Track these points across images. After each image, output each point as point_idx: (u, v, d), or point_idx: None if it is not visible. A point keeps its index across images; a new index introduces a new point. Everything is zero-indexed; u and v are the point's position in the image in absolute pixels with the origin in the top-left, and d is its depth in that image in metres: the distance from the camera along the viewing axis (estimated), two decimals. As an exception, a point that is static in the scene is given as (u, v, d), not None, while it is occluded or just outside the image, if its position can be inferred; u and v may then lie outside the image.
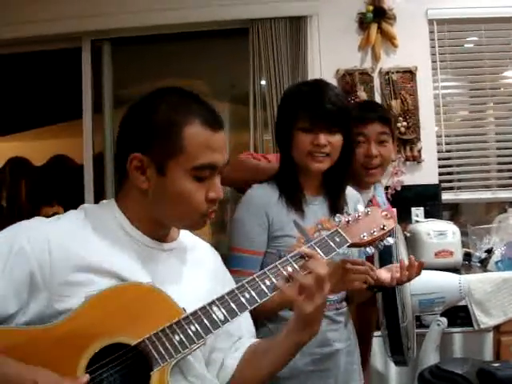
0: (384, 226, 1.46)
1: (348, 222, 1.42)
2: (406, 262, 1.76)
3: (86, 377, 1.09)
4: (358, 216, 1.45)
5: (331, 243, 1.36)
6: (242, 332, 1.43)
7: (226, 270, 1.52)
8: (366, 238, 1.42)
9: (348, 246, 1.41)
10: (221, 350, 1.38)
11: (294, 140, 1.81)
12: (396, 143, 2.47)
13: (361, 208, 1.49)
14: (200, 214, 1.28)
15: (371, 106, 2.41)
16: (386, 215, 1.50)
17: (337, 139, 1.80)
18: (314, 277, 1.24)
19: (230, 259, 1.81)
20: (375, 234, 1.44)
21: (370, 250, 1.47)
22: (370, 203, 2.27)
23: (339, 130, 1.80)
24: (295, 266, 1.29)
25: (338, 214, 1.45)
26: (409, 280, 1.72)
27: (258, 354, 1.38)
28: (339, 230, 1.40)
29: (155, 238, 1.32)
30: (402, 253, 2.00)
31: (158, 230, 1.33)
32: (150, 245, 1.31)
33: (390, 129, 2.22)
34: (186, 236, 1.43)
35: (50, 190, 5.24)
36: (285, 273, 1.28)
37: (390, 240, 1.48)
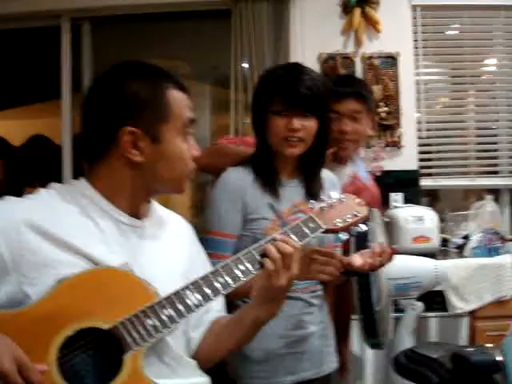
0: (357, 212, 1.48)
1: (322, 208, 1.45)
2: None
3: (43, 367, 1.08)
4: (332, 202, 1.47)
5: (305, 229, 1.38)
6: (209, 306, 1.41)
7: (199, 242, 1.53)
8: (339, 224, 1.45)
9: (322, 232, 1.43)
10: (188, 325, 1.38)
11: (268, 124, 1.81)
12: (375, 120, 2.44)
13: (335, 195, 1.50)
14: (189, 171, 1.33)
15: (347, 81, 2.39)
16: (360, 202, 1.52)
17: (311, 124, 1.79)
18: (280, 253, 1.27)
19: (206, 242, 1.78)
20: (348, 220, 1.46)
21: (344, 235, 1.48)
22: (353, 179, 2.28)
23: (314, 115, 1.79)
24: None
25: (311, 201, 1.48)
26: (381, 266, 1.73)
27: (219, 329, 1.41)
28: (313, 216, 1.42)
29: (130, 215, 1.31)
30: (379, 238, 2.01)
31: (135, 206, 1.32)
32: (125, 221, 1.30)
33: (365, 105, 2.22)
34: (159, 210, 1.43)
35: (29, 171, 5.18)
36: (258, 257, 1.29)
37: (363, 227, 1.50)
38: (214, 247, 1.77)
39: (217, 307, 1.47)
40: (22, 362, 1.04)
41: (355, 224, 1.48)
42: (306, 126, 1.78)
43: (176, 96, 1.29)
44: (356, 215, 1.47)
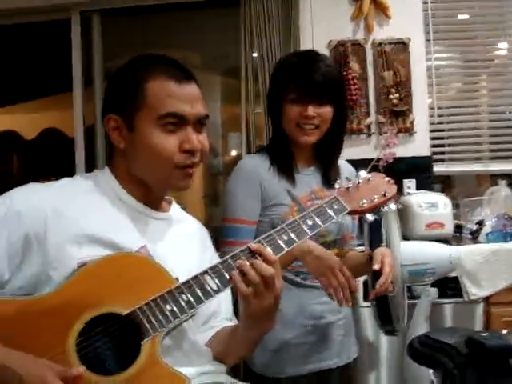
0: (385, 192, 1.41)
1: (348, 188, 1.39)
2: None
3: (79, 370, 1.05)
4: (359, 183, 1.41)
5: (329, 211, 1.33)
6: (220, 310, 1.43)
7: (214, 249, 1.51)
8: (365, 204, 1.38)
9: (348, 214, 1.38)
10: (197, 324, 1.38)
11: (283, 111, 1.81)
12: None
13: (362, 174, 1.45)
14: (174, 164, 1.27)
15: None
16: (389, 181, 1.46)
17: (326, 110, 1.80)
18: (259, 276, 1.19)
19: (224, 230, 1.82)
20: (376, 200, 1.40)
21: (371, 216, 1.42)
22: None
23: (329, 102, 1.79)
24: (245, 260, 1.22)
25: (338, 181, 1.43)
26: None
27: (220, 341, 1.38)
28: (338, 197, 1.36)
29: (148, 205, 1.33)
30: (393, 224, 2.00)
31: (148, 195, 1.33)
32: (142, 210, 1.32)
33: None
34: (177, 210, 1.44)
35: (42, 164, 5.21)
36: (280, 242, 1.24)
37: (392, 206, 1.45)
38: (234, 235, 1.78)
39: (226, 314, 1.46)
40: (62, 375, 1.03)
41: (383, 204, 1.42)
42: (320, 113, 1.78)
43: (158, 86, 1.26)
44: (384, 195, 1.41)
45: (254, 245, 1.22)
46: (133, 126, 1.26)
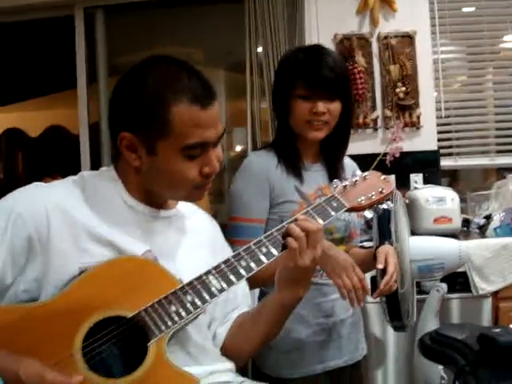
0: (382, 189, 1.45)
1: (345, 186, 1.42)
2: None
3: (78, 378, 1.05)
4: (356, 181, 1.44)
5: (328, 208, 1.36)
6: (238, 303, 1.44)
7: (224, 240, 1.51)
8: (363, 201, 1.41)
9: (346, 211, 1.41)
10: (216, 320, 1.39)
11: (291, 108, 1.79)
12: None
13: (359, 173, 1.48)
14: (194, 186, 1.26)
15: None
16: (385, 179, 1.49)
17: (335, 106, 1.78)
18: (303, 230, 1.25)
19: (232, 229, 1.80)
20: (373, 197, 1.43)
21: (370, 213, 1.45)
22: None
23: (338, 97, 1.77)
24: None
25: (335, 180, 1.45)
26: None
27: (246, 321, 1.40)
28: (336, 195, 1.39)
29: (153, 206, 1.32)
30: (402, 219, 1.99)
31: (154, 199, 1.32)
32: (147, 213, 1.30)
33: None
34: (184, 204, 1.41)
35: (47, 161, 5.22)
36: (280, 239, 1.27)
37: (390, 203, 1.48)
38: (242, 234, 1.75)
39: (245, 304, 1.46)
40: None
41: (380, 201, 1.45)
42: (330, 109, 1.76)
43: (184, 113, 1.18)
44: (381, 192, 1.44)
45: (301, 216, 1.30)
46: (154, 151, 1.21)
